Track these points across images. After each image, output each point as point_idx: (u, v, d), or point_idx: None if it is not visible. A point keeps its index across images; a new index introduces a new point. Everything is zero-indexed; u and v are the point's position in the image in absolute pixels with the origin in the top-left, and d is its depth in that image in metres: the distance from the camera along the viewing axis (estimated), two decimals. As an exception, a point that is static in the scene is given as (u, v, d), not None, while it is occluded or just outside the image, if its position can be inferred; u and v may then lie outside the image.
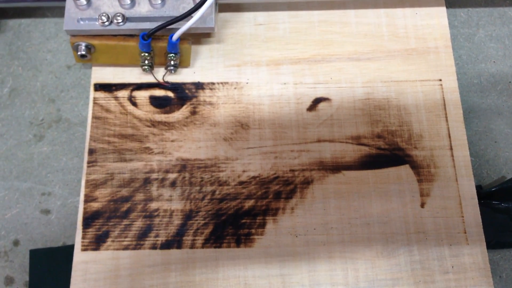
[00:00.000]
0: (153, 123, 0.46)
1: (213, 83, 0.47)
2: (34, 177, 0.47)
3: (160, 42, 0.44)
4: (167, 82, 0.47)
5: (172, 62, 0.45)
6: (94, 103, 0.47)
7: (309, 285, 0.42)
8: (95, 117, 0.46)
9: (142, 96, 0.47)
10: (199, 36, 0.49)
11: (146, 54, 0.44)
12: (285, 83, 0.47)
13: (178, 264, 0.42)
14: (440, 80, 0.48)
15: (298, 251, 0.43)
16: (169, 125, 0.46)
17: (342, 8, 0.50)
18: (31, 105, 0.49)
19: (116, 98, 0.47)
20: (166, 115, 0.46)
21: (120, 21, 0.43)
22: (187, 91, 0.47)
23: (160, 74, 0.47)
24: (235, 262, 0.42)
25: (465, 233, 0.43)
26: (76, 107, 0.49)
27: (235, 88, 0.47)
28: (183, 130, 0.46)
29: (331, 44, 0.49)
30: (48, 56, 0.51)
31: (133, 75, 0.47)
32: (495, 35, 0.52)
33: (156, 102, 0.47)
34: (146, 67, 0.46)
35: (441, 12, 0.50)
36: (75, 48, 0.44)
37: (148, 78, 0.47)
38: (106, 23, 0.43)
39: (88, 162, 0.45)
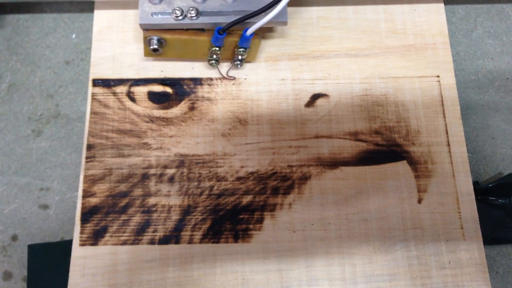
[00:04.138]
0: (152, 119, 0.46)
1: (211, 79, 0.47)
2: (32, 172, 0.47)
3: (231, 36, 0.44)
4: (231, 77, 0.47)
5: (239, 57, 0.45)
6: (93, 98, 0.47)
7: (306, 280, 0.42)
8: (93, 113, 0.46)
9: (141, 91, 0.47)
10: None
11: (217, 49, 0.44)
12: (283, 79, 0.48)
13: (176, 259, 0.42)
14: (438, 76, 0.48)
15: (295, 247, 0.43)
16: (167, 121, 0.46)
17: (340, 4, 0.50)
18: (30, 101, 0.49)
19: (114, 93, 0.47)
20: (164, 111, 0.46)
21: (194, 15, 0.43)
22: (185, 86, 0.47)
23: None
24: (233, 257, 0.43)
25: (462, 229, 0.43)
26: (75, 102, 0.49)
27: (233, 84, 0.47)
28: (181, 126, 0.46)
29: (329, 40, 0.49)
30: (46, 51, 0.51)
31: (132, 70, 0.47)
32: (493, 32, 0.52)
33: (155, 97, 0.47)
34: (213, 61, 0.46)
35: (439, 9, 0.50)
36: (147, 42, 0.44)
37: (147, 74, 0.47)
38: (180, 17, 0.43)
39: (87, 158, 0.45)
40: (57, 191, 0.47)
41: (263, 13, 0.41)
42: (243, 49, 0.45)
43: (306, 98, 0.47)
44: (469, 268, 0.42)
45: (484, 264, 0.42)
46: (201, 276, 0.42)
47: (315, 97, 0.47)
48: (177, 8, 0.43)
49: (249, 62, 0.48)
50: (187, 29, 0.44)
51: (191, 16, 0.43)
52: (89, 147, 0.45)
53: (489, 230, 0.45)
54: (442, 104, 0.47)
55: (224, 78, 0.47)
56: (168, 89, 0.47)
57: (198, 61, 0.48)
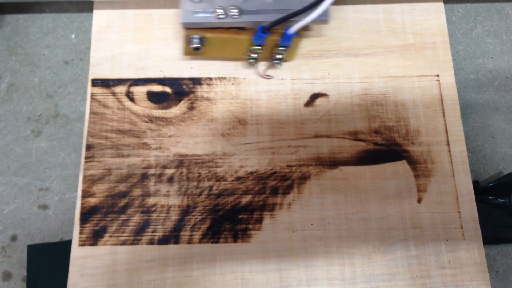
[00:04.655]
0: (151, 119, 0.46)
1: (210, 79, 0.47)
2: (32, 173, 0.47)
3: (272, 35, 0.43)
4: (269, 76, 0.47)
5: (279, 56, 0.45)
6: (92, 98, 0.47)
7: (306, 280, 0.42)
8: (92, 113, 0.46)
9: (140, 91, 0.47)
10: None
11: (258, 48, 0.44)
12: (282, 79, 0.47)
13: (176, 259, 0.42)
14: (438, 75, 0.48)
15: (295, 246, 0.43)
16: (166, 121, 0.46)
17: (339, 3, 0.50)
18: (29, 101, 0.49)
19: (113, 93, 0.47)
20: (163, 111, 0.46)
21: (236, 13, 0.42)
22: (184, 86, 0.47)
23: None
24: (232, 257, 0.43)
25: (462, 228, 0.43)
26: (74, 102, 0.49)
27: (232, 84, 0.47)
28: (180, 126, 0.46)
29: (328, 40, 0.49)
30: (45, 51, 0.51)
31: (131, 70, 0.47)
32: (493, 31, 0.52)
33: (154, 97, 0.47)
34: (253, 60, 0.46)
35: (438, 8, 0.50)
36: (188, 41, 0.44)
37: (146, 74, 0.47)
38: (222, 16, 0.42)
39: (86, 158, 0.45)
40: (56, 191, 0.47)
41: (309, 11, 0.41)
42: (284, 48, 0.44)
43: (306, 98, 0.47)
44: (469, 268, 0.42)
45: (484, 264, 0.42)
46: (200, 276, 0.42)
47: (315, 96, 0.47)
48: (219, 7, 0.42)
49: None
50: (227, 28, 0.44)
51: (233, 15, 0.42)
52: (88, 147, 0.45)
53: (489, 229, 0.45)
54: (442, 104, 0.47)
55: (262, 76, 0.47)
56: (167, 89, 0.47)
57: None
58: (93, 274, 0.42)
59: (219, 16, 0.42)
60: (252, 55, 0.45)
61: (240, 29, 0.44)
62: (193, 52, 0.45)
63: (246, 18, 0.43)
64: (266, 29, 0.42)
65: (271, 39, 0.43)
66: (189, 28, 0.43)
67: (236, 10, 0.42)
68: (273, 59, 0.46)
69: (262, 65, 0.48)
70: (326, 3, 0.40)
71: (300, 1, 0.42)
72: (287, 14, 0.41)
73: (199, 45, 0.44)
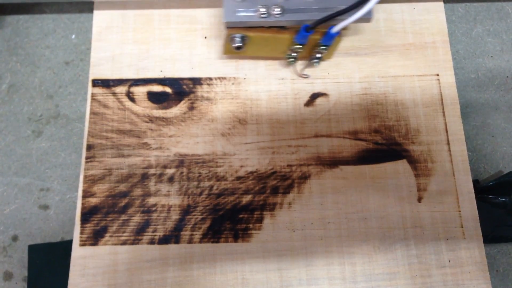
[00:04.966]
0: (151, 119, 0.46)
1: (210, 79, 0.47)
2: (32, 173, 0.47)
3: (313, 34, 0.43)
4: (306, 75, 0.47)
5: (318, 55, 0.45)
6: (92, 99, 0.47)
7: (306, 279, 0.42)
8: (93, 113, 0.46)
9: (140, 91, 0.47)
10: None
11: (299, 47, 0.44)
12: (282, 79, 0.48)
13: (176, 259, 0.42)
14: (438, 75, 0.48)
15: (295, 246, 0.43)
16: (167, 121, 0.46)
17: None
18: (30, 101, 0.49)
19: (114, 93, 0.47)
20: (164, 111, 0.46)
21: (279, 12, 0.42)
22: (184, 86, 0.47)
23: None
24: (233, 256, 0.43)
25: (462, 227, 0.43)
26: (74, 103, 0.49)
27: (232, 84, 0.47)
28: (181, 126, 0.46)
29: (328, 39, 0.49)
30: (46, 52, 0.51)
31: (131, 71, 0.47)
32: (493, 30, 0.52)
33: (154, 97, 0.47)
34: (292, 59, 0.46)
35: (438, 7, 0.50)
36: (231, 40, 0.44)
37: (146, 74, 0.47)
38: (264, 15, 0.42)
39: (86, 158, 0.45)
40: (57, 191, 0.47)
41: (351, 11, 0.41)
42: (325, 47, 0.44)
43: (306, 98, 0.47)
44: (469, 267, 0.42)
45: (484, 263, 0.42)
46: (201, 276, 0.42)
47: (315, 96, 0.47)
48: (262, 5, 0.42)
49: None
50: (269, 27, 0.43)
51: (276, 14, 0.42)
52: (89, 147, 0.45)
53: (489, 228, 0.45)
54: (442, 103, 0.47)
55: (300, 76, 0.47)
56: (168, 89, 0.47)
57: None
58: (94, 274, 0.42)
59: (262, 15, 0.42)
60: (292, 54, 0.45)
61: (281, 28, 0.43)
62: (233, 51, 0.45)
63: (288, 17, 0.42)
64: (310, 28, 0.41)
65: (313, 38, 0.43)
66: (231, 27, 0.43)
67: (279, 9, 0.42)
68: (312, 58, 0.46)
69: (299, 64, 0.48)
70: (372, 2, 0.39)
71: (341, 0, 0.42)
72: (332, 13, 0.41)
73: (241, 44, 0.43)
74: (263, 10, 0.42)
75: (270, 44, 0.44)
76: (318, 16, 0.41)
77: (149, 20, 0.49)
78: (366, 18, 0.42)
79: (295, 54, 0.45)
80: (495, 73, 0.50)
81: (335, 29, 0.41)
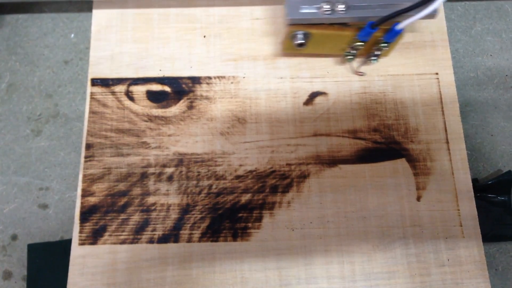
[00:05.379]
0: (150, 118, 0.46)
1: (210, 78, 0.47)
2: (32, 172, 0.47)
3: (376, 31, 0.42)
4: (362, 73, 0.47)
5: (378, 52, 0.45)
6: (91, 98, 0.47)
7: (305, 278, 0.42)
8: (92, 112, 0.46)
9: (139, 90, 0.47)
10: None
11: (361, 44, 0.44)
12: (281, 78, 0.48)
13: (175, 258, 0.42)
14: (437, 73, 0.48)
15: (294, 245, 0.43)
16: (166, 120, 0.46)
17: (338, 2, 0.50)
18: (29, 100, 0.49)
19: (113, 93, 0.47)
20: (163, 110, 0.46)
21: (343, 9, 0.42)
22: (183, 85, 0.47)
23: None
24: (232, 255, 0.43)
25: (461, 226, 0.43)
26: (73, 102, 0.49)
27: (232, 83, 0.47)
28: (180, 125, 0.46)
29: (327, 38, 0.49)
30: (45, 51, 0.51)
31: (130, 70, 0.47)
32: (492, 29, 0.52)
33: (153, 96, 0.47)
34: (351, 57, 0.46)
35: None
36: (292, 37, 0.44)
37: (145, 73, 0.47)
38: (329, 12, 0.42)
39: (86, 157, 0.45)
40: (56, 190, 0.47)
41: (417, 7, 0.40)
42: (387, 44, 0.44)
43: (305, 96, 0.47)
44: (468, 266, 0.42)
45: (483, 262, 0.42)
46: (200, 275, 0.42)
47: (314, 95, 0.47)
48: (326, 2, 0.42)
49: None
50: (331, 24, 0.43)
51: (340, 10, 0.42)
52: (88, 146, 0.45)
53: (488, 227, 0.45)
54: (441, 102, 0.47)
55: (357, 73, 0.47)
56: (167, 88, 0.47)
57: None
58: (93, 272, 0.42)
59: (326, 11, 0.41)
60: (352, 51, 0.45)
61: (343, 25, 0.43)
62: (293, 48, 0.44)
63: (352, 13, 0.42)
64: (375, 25, 0.41)
65: (375, 35, 0.43)
66: (294, 24, 0.43)
67: (343, 6, 0.41)
68: (370, 56, 0.46)
69: (356, 62, 0.48)
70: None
71: None
72: (399, 10, 0.40)
73: (303, 41, 0.43)
74: (327, 7, 0.41)
75: (331, 41, 0.44)
76: (381, 13, 0.41)
77: (148, 19, 0.49)
78: (431, 15, 0.41)
79: (354, 52, 0.45)
80: (495, 72, 0.50)
81: (401, 25, 0.41)
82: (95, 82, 0.47)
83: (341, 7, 0.41)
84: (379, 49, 0.44)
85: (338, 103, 0.47)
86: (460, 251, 0.43)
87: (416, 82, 0.47)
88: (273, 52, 0.48)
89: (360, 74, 0.47)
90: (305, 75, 0.48)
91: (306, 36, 0.43)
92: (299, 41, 0.43)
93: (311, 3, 0.42)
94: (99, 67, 0.48)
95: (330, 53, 0.47)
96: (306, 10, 0.42)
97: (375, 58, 0.46)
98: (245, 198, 0.44)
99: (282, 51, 0.46)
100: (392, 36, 0.42)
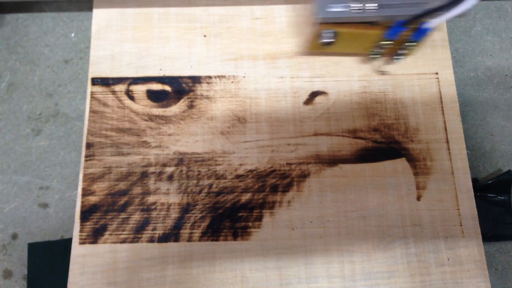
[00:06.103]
0: (150, 117, 0.46)
1: (210, 77, 0.47)
2: (32, 171, 0.47)
3: (405, 30, 0.42)
4: (386, 72, 0.47)
5: (403, 51, 0.45)
6: (92, 97, 0.47)
7: (305, 277, 0.42)
8: (92, 111, 0.46)
9: (139, 90, 0.47)
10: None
11: (388, 43, 0.43)
12: (282, 77, 0.48)
13: (175, 257, 0.42)
14: (437, 73, 0.48)
15: (294, 244, 0.43)
16: (166, 119, 0.46)
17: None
18: (29, 100, 0.49)
19: (113, 92, 0.47)
20: (163, 109, 0.46)
21: (375, 7, 0.41)
22: (184, 85, 0.47)
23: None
24: (232, 255, 0.43)
25: (461, 225, 0.43)
26: (74, 101, 0.49)
27: (232, 82, 0.47)
28: (180, 124, 0.46)
29: (328, 38, 0.49)
30: (45, 50, 0.51)
31: (130, 69, 0.47)
32: (492, 29, 0.52)
33: (153, 96, 0.47)
34: (377, 56, 0.45)
35: (438, 6, 0.50)
36: (319, 35, 0.43)
37: (145, 72, 0.47)
38: (359, 11, 0.41)
39: (86, 156, 0.45)
40: (56, 189, 0.47)
41: (448, 6, 0.40)
42: (415, 43, 0.44)
43: (305, 96, 0.47)
44: (468, 265, 0.42)
45: (483, 261, 0.42)
46: (200, 274, 0.42)
47: (314, 94, 0.47)
48: (355, 1, 0.41)
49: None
50: (359, 22, 0.43)
51: (372, 9, 0.41)
52: (88, 145, 0.45)
53: (488, 227, 0.45)
54: (441, 101, 0.47)
55: (379, 72, 0.47)
56: (167, 87, 0.47)
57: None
58: (94, 272, 0.42)
59: (355, 10, 0.41)
60: (378, 50, 0.45)
61: (371, 23, 0.43)
62: (320, 47, 0.44)
63: (383, 12, 0.41)
64: (406, 24, 0.41)
65: (403, 34, 0.43)
66: (323, 22, 0.42)
67: (375, 4, 0.41)
68: (396, 55, 0.46)
69: (379, 61, 0.48)
70: None
71: None
72: (430, 8, 0.40)
73: (333, 40, 0.43)
74: (357, 5, 0.41)
75: (358, 40, 0.44)
76: (410, 12, 0.41)
77: (148, 18, 0.49)
78: (462, 14, 0.41)
79: (381, 50, 0.45)
80: (494, 72, 0.50)
81: (432, 24, 0.41)
82: (95, 81, 0.47)
83: (372, 5, 0.41)
84: (405, 48, 0.44)
85: (338, 102, 0.47)
86: (460, 251, 0.43)
87: (416, 81, 0.47)
88: (273, 52, 0.48)
89: (385, 73, 0.47)
90: (305, 74, 0.48)
91: (335, 35, 0.43)
92: (327, 40, 0.43)
93: (339, 1, 0.42)
94: (99, 67, 0.48)
95: (356, 52, 0.46)
96: (335, 9, 0.41)
97: (401, 57, 0.46)
98: (245, 197, 0.44)
99: (307, 50, 0.46)
100: (420, 34, 0.42)
